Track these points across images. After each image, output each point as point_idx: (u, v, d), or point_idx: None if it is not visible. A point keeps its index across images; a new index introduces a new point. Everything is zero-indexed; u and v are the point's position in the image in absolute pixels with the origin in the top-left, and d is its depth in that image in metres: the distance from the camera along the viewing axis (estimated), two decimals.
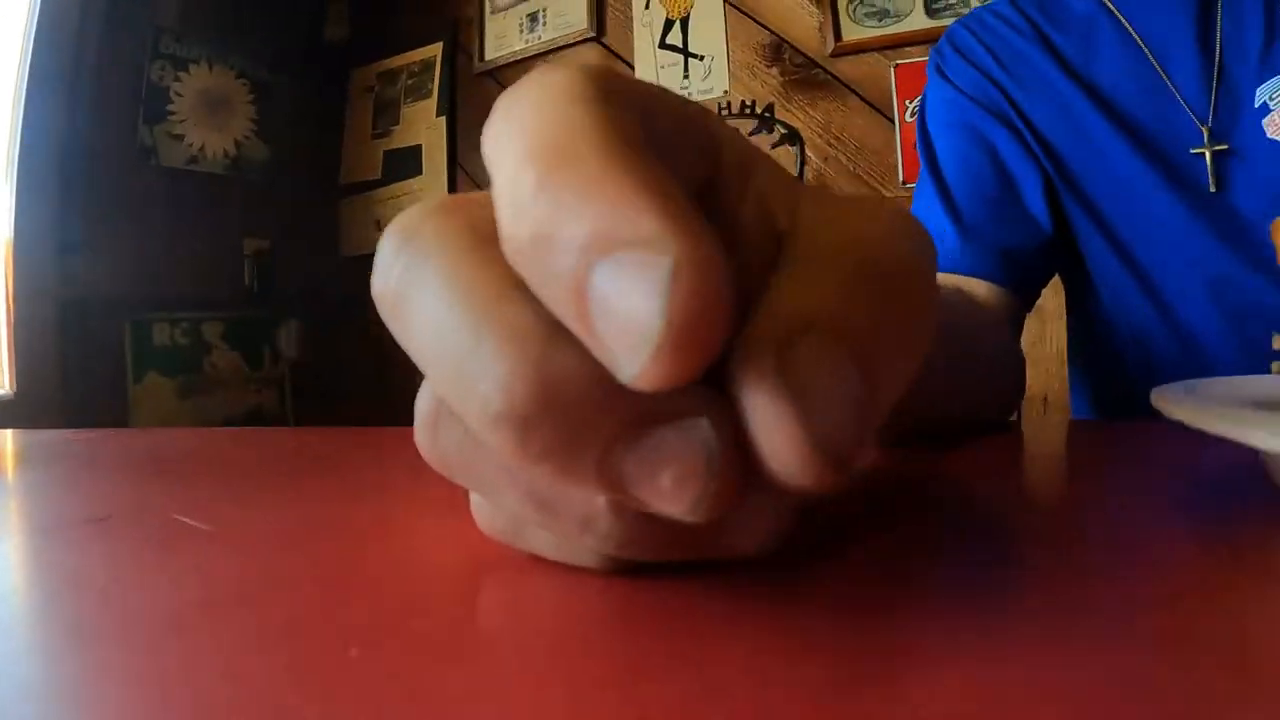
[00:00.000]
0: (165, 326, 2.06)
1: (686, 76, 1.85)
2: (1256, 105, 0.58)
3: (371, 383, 2.27)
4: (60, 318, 1.85)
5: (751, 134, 1.76)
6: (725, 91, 1.80)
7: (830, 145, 1.68)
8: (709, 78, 1.81)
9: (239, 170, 2.28)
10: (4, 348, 1.77)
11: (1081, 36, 0.68)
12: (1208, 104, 0.60)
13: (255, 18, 2.31)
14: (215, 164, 2.23)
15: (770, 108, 1.74)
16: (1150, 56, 0.63)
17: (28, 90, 1.85)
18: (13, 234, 1.80)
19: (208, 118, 2.22)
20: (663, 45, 1.88)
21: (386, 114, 2.36)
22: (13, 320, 1.77)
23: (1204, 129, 0.60)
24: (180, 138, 2.16)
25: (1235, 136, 0.59)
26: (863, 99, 1.65)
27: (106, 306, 1.95)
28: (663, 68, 1.88)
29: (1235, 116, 0.59)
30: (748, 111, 1.76)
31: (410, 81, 2.31)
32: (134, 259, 2.03)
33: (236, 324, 2.21)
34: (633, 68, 1.92)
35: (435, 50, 2.26)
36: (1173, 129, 0.62)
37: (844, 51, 1.67)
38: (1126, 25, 0.64)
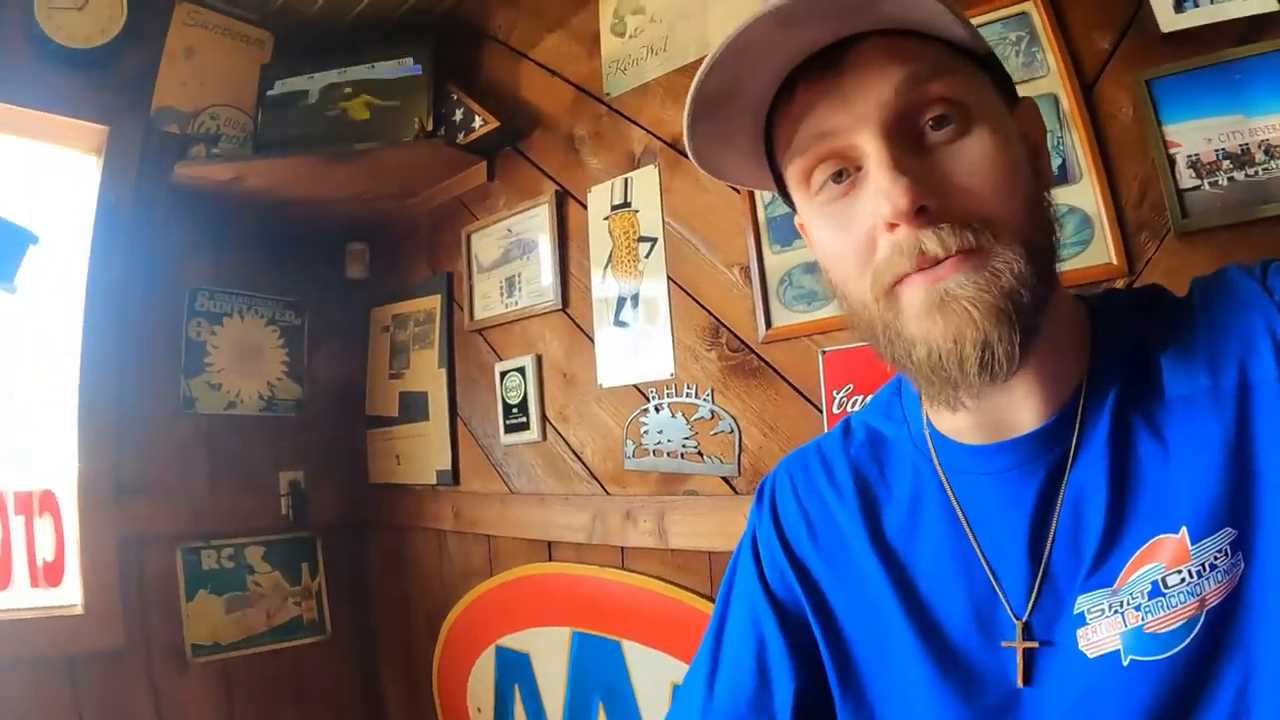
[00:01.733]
0: (212, 553, 2.33)
1: (636, 355, 1.88)
2: (1075, 613, 0.60)
3: (397, 590, 2.49)
4: (120, 548, 2.13)
5: (696, 418, 1.76)
6: (671, 374, 1.81)
7: (764, 434, 1.66)
8: (657, 360, 1.83)
9: (273, 409, 2.48)
10: (76, 572, 2.06)
11: (910, 505, 0.71)
12: (1026, 600, 0.61)
13: (282, 269, 2.55)
14: (251, 406, 2.47)
15: (711, 393, 1.73)
16: (974, 542, 0.65)
17: (83, 352, 2.14)
18: (77, 479, 2.09)
19: (241, 365, 2.46)
20: (616, 322, 1.92)
21: (400, 356, 2.50)
22: (81, 550, 2.06)
23: (1018, 623, 0.61)
24: (218, 386, 2.40)
25: (1051, 635, 0.60)
26: (793, 387, 1.62)
27: (160, 539, 2.23)
28: (616, 344, 1.92)
29: (1054, 618, 0.61)
30: (689, 395, 1.77)
31: (417, 329, 2.45)
32: (181, 496, 2.30)
33: (275, 547, 2.46)
34: (592, 340, 1.97)
35: (435, 302, 2.39)
36: (987, 617, 0.63)
37: (775, 338, 1.65)
38: (957, 507, 0.67)
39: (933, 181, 0.57)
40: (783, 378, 1.63)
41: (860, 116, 0.59)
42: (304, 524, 2.54)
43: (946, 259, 0.56)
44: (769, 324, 1.66)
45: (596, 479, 1.95)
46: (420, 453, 2.42)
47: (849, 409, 1.54)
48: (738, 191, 1.73)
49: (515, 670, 2.11)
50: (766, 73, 0.63)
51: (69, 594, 2.08)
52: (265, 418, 2.55)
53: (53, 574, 2.09)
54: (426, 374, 2.43)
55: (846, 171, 0.61)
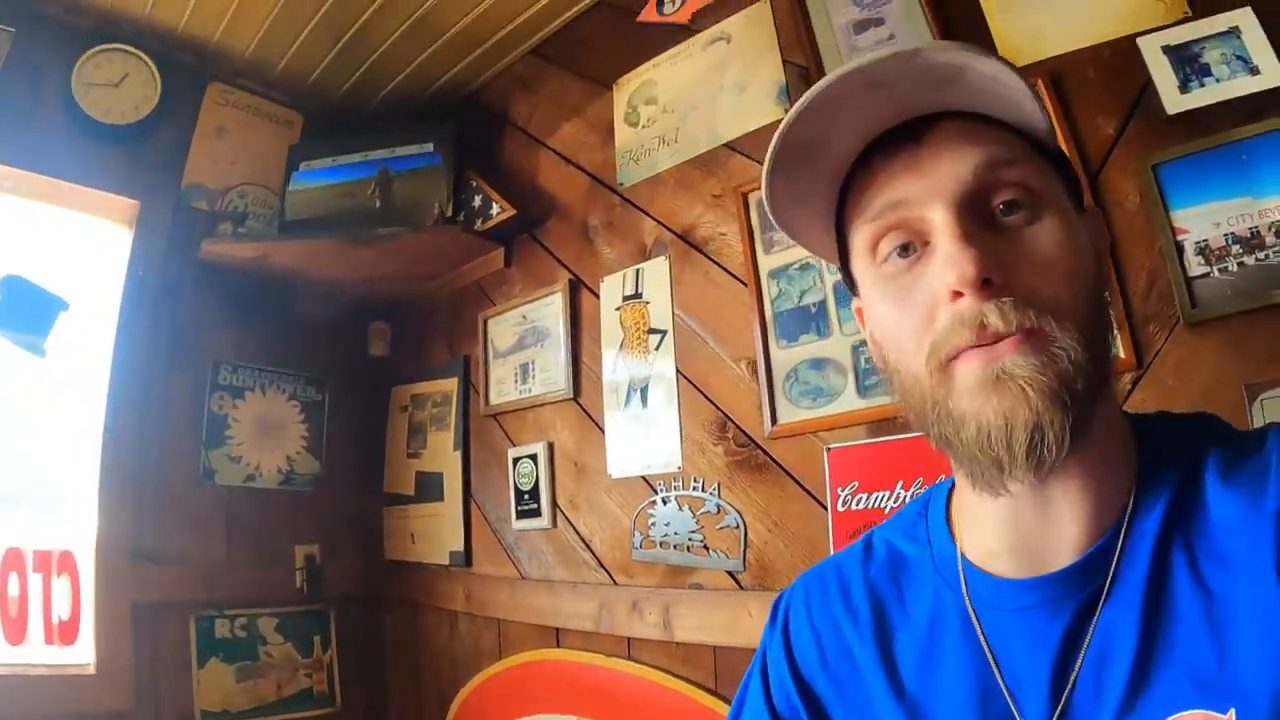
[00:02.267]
0: (225, 622, 2.36)
1: (647, 449, 1.90)
2: None
3: (409, 667, 2.51)
4: (134, 611, 2.17)
5: (702, 512, 1.78)
6: (679, 467, 1.83)
7: (770, 530, 1.67)
8: (665, 452, 1.86)
9: (291, 483, 2.52)
10: (90, 633, 2.11)
11: (929, 631, 0.69)
12: (1050, 712, 0.60)
13: (304, 345, 2.61)
14: (270, 479, 2.52)
15: (718, 487, 1.75)
16: (996, 671, 0.63)
17: (106, 418, 2.20)
18: (95, 542, 2.15)
19: (262, 438, 2.51)
20: (626, 413, 1.95)
21: (417, 436, 2.54)
22: (96, 612, 2.11)
23: None
24: (238, 459, 2.45)
25: None
26: (798, 483, 1.64)
27: (174, 605, 2.27)
28: (627, 435, 1.94)
29: None
30: (696, 488, 1.79)
31: (435, 410, 2.49)
32: (197, 565, 2.33)
33: (288, 618, 2.49)
34: (602, 430, 2.00)
35: (453, 385, 2.44)
36: None
37: (781, 434, 1.67)
38: (981, 635, 0.65)
39: (1000, 258, 0.57)
40: (788, 474, 1.65)
41: (935, 190, 0.59)
42: (318, 597, 2.57)
43: (1006, 338, 0.56)
44: (774, 420, 1.68)
45: (605, 568, 1.97)
46: (435, 532, 2.45)
47: (853, 506, 1.56)
48: (744, 285, 1.76)
49: None
50: (849, 133, 0.64)
51: (82, 654, 2.11)
52: (283, 491, 2.59)
53: (67, 633, 2.13)
54: (443, 455, 2.46)
55: (913, 246, 0.62)
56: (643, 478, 1.90)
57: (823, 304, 1.67)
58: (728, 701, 1.69)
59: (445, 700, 2.35)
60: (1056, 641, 0.60)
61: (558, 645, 2.05)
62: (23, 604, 2.09)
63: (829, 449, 1.59)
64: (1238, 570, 0.55)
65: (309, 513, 2.61)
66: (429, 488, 2.49)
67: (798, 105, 0.60)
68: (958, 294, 0.57)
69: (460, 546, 2.35)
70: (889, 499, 1.50)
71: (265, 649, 2.44)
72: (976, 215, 0.59)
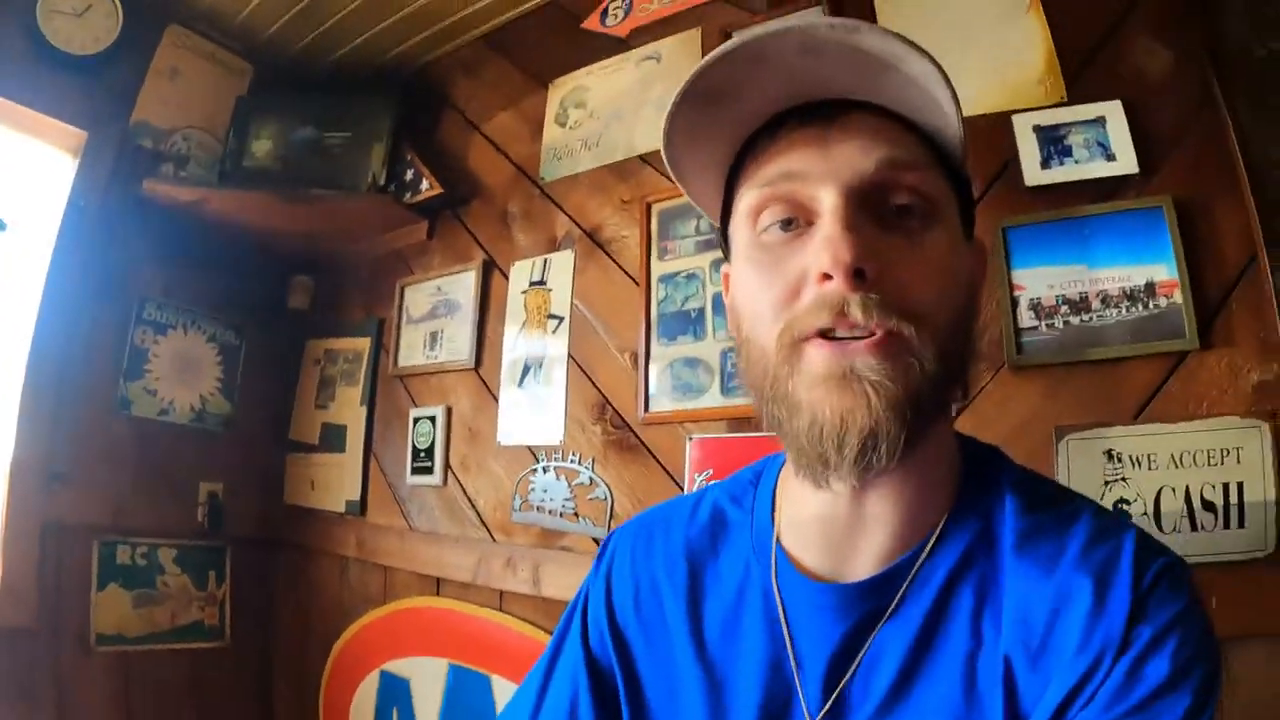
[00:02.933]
0: (127, 549, 2.45)
1: (534, 421, 2.09)
2: None
3: (298, 608, 2.65)
4: (42, 533, 2.25)
5: (576, 483, 1.97)
6: (560, 441, 2.03)
7: (634, 504, 1.86)
8: (550, 426, 2.05)
9: (202, 422, 2.63)
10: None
11: (736, 595, 0.71)
12: (821, 705, 0.63)
13: (229, 291, 2.71)
14: (182, 416, 2.60)
15: (592, 462, 1.95)
16: (789, 644, 0.66)
17: (31, 346, 2.27)
18: (11, 460, 2.22)
19: (179, 375, 2.60)
20: (519, 387, 2.14)
21: (326, 389, 2.69)
22: (5, 530, 2.19)
23: None
24: (154, 393, 2.54)
25: None
26: (662, 466, 1.84)
27: (80, 529, 2.35)
28: (517, 406, 2.13)
29: None
30: (573, 461, 1.99)
31: (346, 366, 2.64)
32: (105, 492, 2.42)
33: (187, 551, 2.59)
34: (497, 400, 2.18)
35: (365, 344, 2.59)
36: (780, 712, 0.65)
37: (652, 421, 1.87)
38: (782, 614, 0.67)
39: (879, 254, 0.56)
40: (654, 457, 1.86)
41: (833, 173, 0.58)
42: (218, 533, 2.67)
43: (862, 339, 0.55)
44: (648, 407, 1.88)
45: (486, 526, 2.16)
46: (334, 481, 2.60)
47: None
48: (637, 285, 1.96)
49: (395, 695, 2.29)
50: (764, 94, 0.62)
51: None
52: (194, 429, 2.68)
53: None
54: (349, 409, 2.61)
55: (797, 222, 0.60)
56: (528, 447, 2.09)
57: (701, 310, 1.87)
58: None
59: (330, 640, 2.51)
60: (835, 644, 0.63)
61: (437, 594, 2.23)
62: None
63: (691, 438, 1.79)
64: (1012, 632, 0.58)
65: (216, 452, 2.71)
66: (332, 439, 2.64)
67: (723, 47, 0.58)
68: (827, 277, 0.56)
69: (357, 496, 2.51)
70: None
71: (163, 579, 2.54)
72: (867, 209, 0.58)
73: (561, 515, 1.97)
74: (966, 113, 0.63)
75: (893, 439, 0.55)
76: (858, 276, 0.55)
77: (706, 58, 0.59)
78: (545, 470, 2.02)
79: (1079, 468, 1.26)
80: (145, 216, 2.51)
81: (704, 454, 1.77)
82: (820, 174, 0.59)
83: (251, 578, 2.77)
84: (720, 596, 0.73)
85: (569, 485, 1.97)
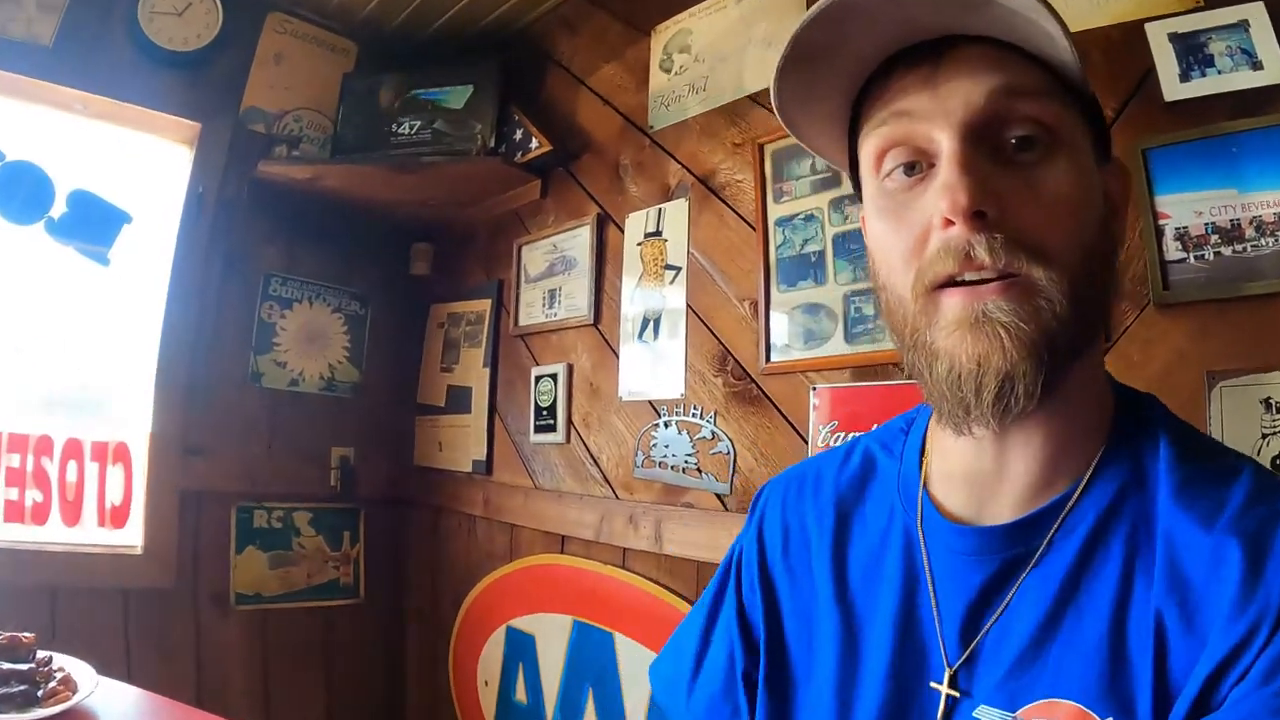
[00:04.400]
0: (263, 513, 2.55)
1: (654, 374, 2.01)
2: (974, 712, 0.59)
3: (428, 565, 2.68)
4: (180, 500, 2.35)
5: (699, 437, 1.89)
6: (682, 394, 1.94)
7: (756, 458, 1.77)
8: (671, 379, 1.97)
9: (332, 390, 2.67)
10: (141, 518, 2.29)
11: (880, 540, 0.70)
12: (958, 657, 0.60)
13: (350, 262, 2.74)
14: (312, 385, 2.66)
15: (714, 415, 1.86)
16: (932, 590, 0.63)
17: (164, 324, 2.36)
18: (149, 435, 2.32)
19: (307, 347, 2.64)
20: (639, 340, 2.06)
21: (451, 352, 2.67)
22: (146, 499, 2.29)
23: (948, 670, 0.60)
24: (283, 365, 2.60)
25: (973, 687, 0.59)
26: (785, 418, 1.74)
27: (217, 496, 2.45)
28: (637, 361, 2.06)
29: (977, 672, 0.59)
30: (695, 415, 1.90)
31: (468, 328, 2.62)
32: (241, 460, 2.51)
33: (321, 514, 2.67)
34: (617, 355, 2.11)
35: (486, 305, 2.56)
36: (920, 658, 0.63)
37: (774, 371, 1.77)
38: (925, 560, 0.65)
39: (999, 192, 0.54)
40: (777, 408, 1.75)
41: (945, 110, 0.56)
42: (350, 496, 2.73)
43: (993, 281, 0.53)
44: (769, 357, 1.78)
45: (609, 483, 2.09)
46: (460, 441, 2.59)
47: (830, 444, 1.65)
48: (754, 230, 1.84)
49: (521, 649, 2.27)
50: (867, 43, 0.60)
51: (131, 536, 2.29)
52: (324, 396, 2.74)
53: (118, 517, 2.30)
54: (473, 370, 2.59)
55: (919, 166, 0.58)
56: (649, 402, 2.01)
57: (821, 254, 1.74)
58: None
59: (459, 597, 2.51)
60: (974, 591, 0.60)
61: (561, 552, 2.18)
62: (79, 490, 2.25)
63: (815, 388, 1.68)
64: (1166, 586, 0.53)
65: (346, 418, 2.77)
66: (458, 400, 2.62)
67: (814, 9, 0.56)
68: (949, 222, 0.54)
69: (483, 456, 2.49)
70: None
71: (298, 540, 2.62)
72: (985, 144, 0.56)
73: (684, 471, 1.88)
74: (1094, 22, 0.68)
75: (1029, 381, 0.53)
76: (978, 218, 0.53)
77: (799, 23, 0.57)
78: (667, 425, 1.94)
79: (1233, 418, 1.10)
80: (263, 197, 2.55)
81: (829, 405, 1.66)
82: (932, 113, 0.57)
83: (383, 537, 2.82)
84: (864, 541, 0.71)
85: (691, 440, 1.88)
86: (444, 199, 2.65)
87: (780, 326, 1.77)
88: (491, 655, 2.37)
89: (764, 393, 1.77)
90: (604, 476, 2.10)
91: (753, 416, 1.78)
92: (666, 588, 1.88)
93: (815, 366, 1.69)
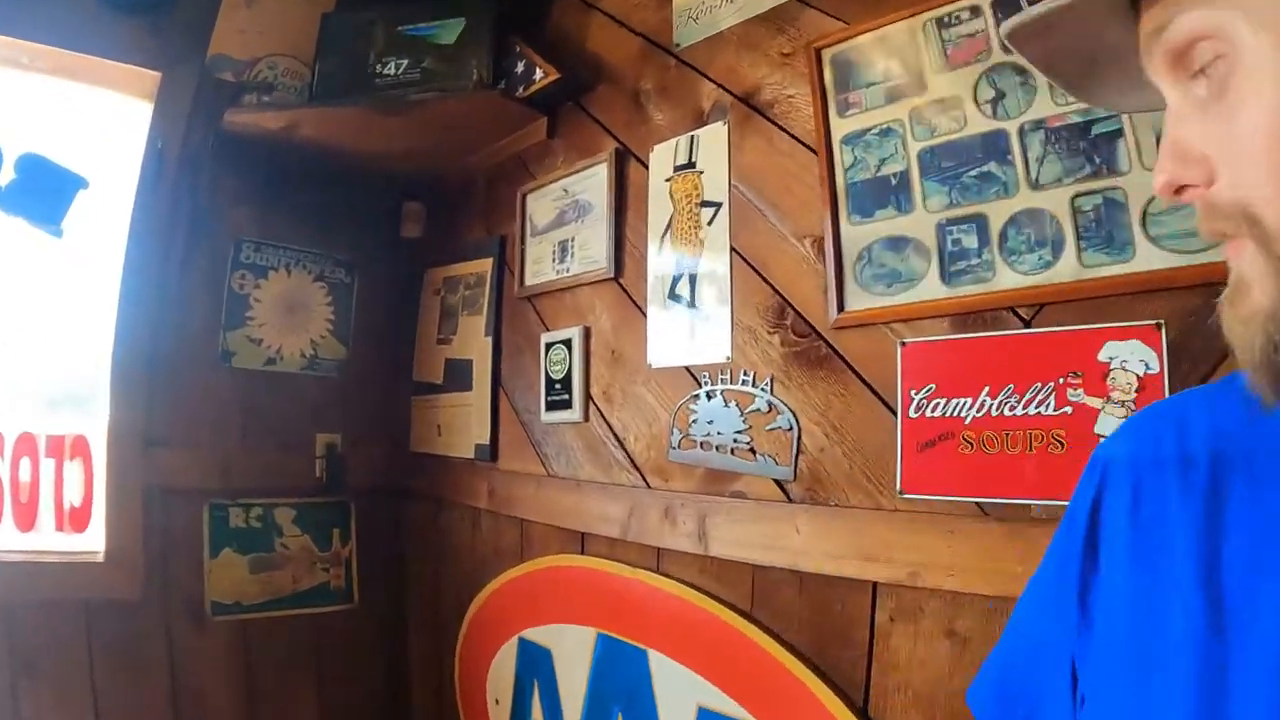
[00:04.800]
0: (240, 510, 2.22)
1: (692, 334, 1.63)
2: None
3: (430, 565, 2.29)
4: (145, 498, 2.05)
5: (751, 410, 1.50)
6: (727, 358, 1.56)
7: (827, 435, 1.40)
8: (713, 340, 1.59)
9: (315, 369, 2.32)
10: (103, 520, 2.00)
11: (1275, 505, 0.52)
12: None
13: (334, 225, 2.37)
14: (292, 364, 2.33)
15: (770, 382, 1.48)
16: None
17: (121, 299, 2.03)
18: (108, 426, 2.01)
19: (285, 320, 2.30)
20: (671, 295, 1.67)
21: (449, 321, 2.31)
22: (107, 499, 2.00)
23: None
24: (258, 341, 2.27)
25: None
26: (865, 382, 1.36)
27: (187, 493, 2.13)
28: (671, 320, 1.67)
29: None
30: (745, 382, 1.51)
31: (467, 293, 2.25)
32: (212, 451, 2.19)
33: (306, 510, 2.33)
34: (644, 314, 1.73)
35: (487, 265, 2.18)
36: None
37: (848, 324, 1.39)
38: None
39: (1190, 155, 0.47)
40: (853, 370, 1.37)
41: (1149, 63, 0.50)
42: (338, 488, 2.39)
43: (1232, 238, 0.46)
44: (841, 307, 1.39)
45: (638, 469, 1.72)
46: (461, 424, 2.23)
47: (928, 413, 1.28)
48: (813, 152, 1.46)
49: (536, 665, 1.91)
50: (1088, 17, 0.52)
51: (93, 540, 2.01)
52: (306, 376, 2.40)
53: (79, 519, 2.02)
54: (473, 340, 2.22)
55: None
56: (686, 368, 1.63)
57: (905, 174, 1.36)
58: (765, 629, 1.44)
59: (463, 603, 2.15)
60: None
61: (582, 552, 1.82)
62: (34, 490, 1.98)
63: (903, 343, 1.30)
64: None
65: (332, 400, 2.43)
66: (457, 376, 2.25)
67: (1005, 27, 0.53)
68: None
69: (486, 440, 2.12)
70: (973, 407, 1.22)
71: (281, 540, 2.30)
72: (1179, 90, 0.48)
73: (733, 452, 1.50)
74: None
75: None
76: (1181, 194, 0.48)
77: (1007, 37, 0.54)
78: (710, 396, 1.56)
79: None
80: (233, 153, 2.21)
81: (922, 363, 1.29)
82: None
83: (379, 535, 2.48)
84: (1257, 510, 0.52)
85: (741, 413, 1.50)
86: (437, 147, 2.29)
87: (855, 268, 1.38)
88: (502, 670, 2.01)
89: (835, 351, 1.39)
90: (631, 461, 1.72)
91: (821, 382, 1.40)
92: (713, 596, 1.51)
93: (903, 315, 1.31)
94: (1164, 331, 1.06)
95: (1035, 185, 1.22)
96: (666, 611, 1.60)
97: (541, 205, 2.05)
